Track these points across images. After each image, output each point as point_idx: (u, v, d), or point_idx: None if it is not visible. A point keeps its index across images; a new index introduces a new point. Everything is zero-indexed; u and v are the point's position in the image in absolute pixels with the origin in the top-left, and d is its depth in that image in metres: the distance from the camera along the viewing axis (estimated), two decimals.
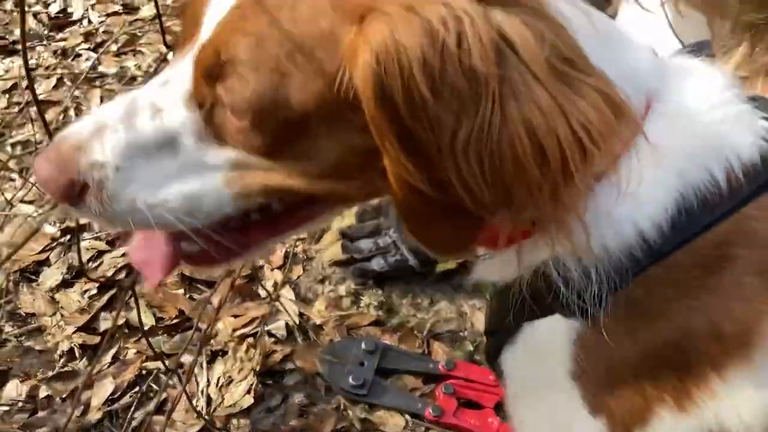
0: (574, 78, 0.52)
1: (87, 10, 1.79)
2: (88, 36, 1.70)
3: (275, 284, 1.10)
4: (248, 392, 0.98)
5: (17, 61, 1.64)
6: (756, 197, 0.59)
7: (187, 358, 0.98)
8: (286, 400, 1.01)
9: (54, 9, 1.75)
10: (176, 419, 0.96)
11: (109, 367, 1.00)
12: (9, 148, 1.44)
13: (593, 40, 0.56)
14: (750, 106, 0.63)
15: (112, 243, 1.16)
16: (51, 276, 1.12)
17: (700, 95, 0.61)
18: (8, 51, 1.65)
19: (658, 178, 0.57)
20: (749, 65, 0.80)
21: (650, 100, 0.59)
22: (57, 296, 1.09)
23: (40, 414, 0.96)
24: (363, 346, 1.08)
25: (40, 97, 1.46)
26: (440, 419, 1.03)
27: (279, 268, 1.17)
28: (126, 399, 0.97)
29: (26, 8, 1.73)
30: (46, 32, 1.72)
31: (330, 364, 1.06)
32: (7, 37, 1.76)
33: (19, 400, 0.97)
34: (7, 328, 1.03)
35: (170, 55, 0.77)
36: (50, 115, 1.47)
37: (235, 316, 1.05)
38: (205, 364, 1.00)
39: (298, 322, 1.09)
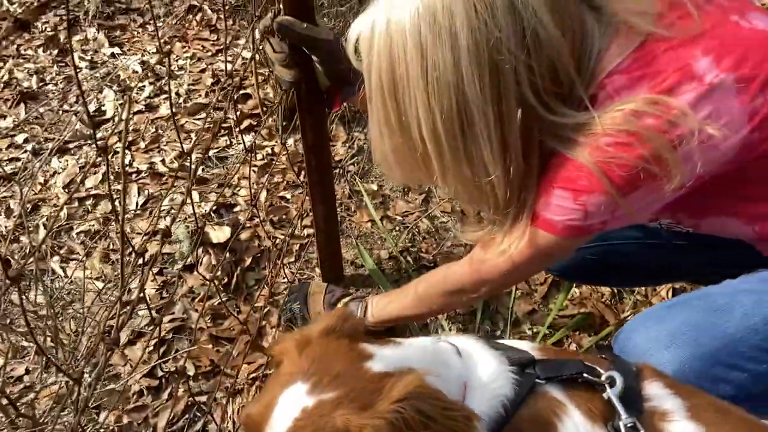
0: None
1: (116, 108, 2.19)
2: (121, 133, 2.14)
3: (274, 338, 1.62)
4: None
5: (71, 160, 1.97)
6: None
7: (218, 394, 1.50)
8: None
9: (91, 108, 2.21)
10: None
11: (166, 401, 1.46)
12: (74, 235, 1.81)
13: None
14: (507, 368, 0.89)
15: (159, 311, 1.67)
16: (122, 335, 1.62)
17: (486, 373, 0.89)
18: (62, 150, 2.00)
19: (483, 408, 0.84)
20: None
21: (465, 385, 0.87)
22: (126, 351, 1.61)
23: None
24: None
25: (91, 192, 1.95)
26: None
27: (276, 326, 1.67)
28: (180, 423, 1.46)
29: (68, 109, 2.19)
30: (90, 132, 2.19)
31: None
32: (59, 137, 2.05)
33: (109, 426, 1.48)
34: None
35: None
36: (101, 207, 1.95)
37: (248, 363, 1.58)
38: (230, 399, 1.50)
39: None
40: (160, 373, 1.51)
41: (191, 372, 1.50)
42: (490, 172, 0.96)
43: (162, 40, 2.23)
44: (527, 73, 0.89)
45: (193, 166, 1.77)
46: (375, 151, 1.06)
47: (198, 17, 2.47)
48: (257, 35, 1.25)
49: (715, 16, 0.94)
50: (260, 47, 1.35)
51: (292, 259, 1.74)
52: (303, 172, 1.93)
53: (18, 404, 1.32)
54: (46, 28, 2.44)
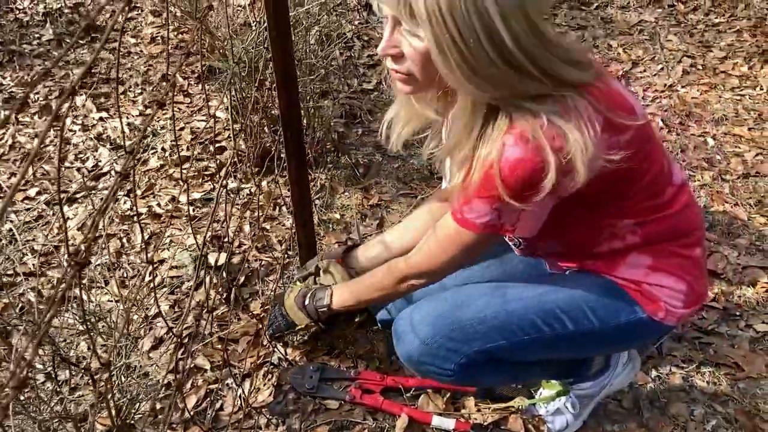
0: None
1: (112, 163, 2.65)
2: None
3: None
4: (263, 395, 1.84)
5: (80, 207, 2.33)
6: None
7: (228, 381, 1.89)
8: (284, 397, 1.83)
9: (89, 164, 2.59)
10: (225, 412, 1.81)
11: (190, 389, 1.88)
12: (93, 267, 2.18)
13: None
14: None
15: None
16: (147, 342, 1.95)
17: None
18: (71, 200, 2.38)
19: None
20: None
21: None
22: (152, 354, 1.98)
23: (159, 417, 1.80)
24: (312, 367, 1.86)
25: (102, 233, 2.32)
26: (354, 401, 1.77)
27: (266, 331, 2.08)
28: (203, 405, 1.84)
29: (69, 165, 2.57)
30: (91, 184, 2.51)
31: (295, 378, 1.84)
32: (68, 190, 2.41)
33: (145, 411, 1.84)
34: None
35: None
36: (113, 244, 2.32)
37: (251, 357, 1.96)
38: (240, 383, 1.89)
39: (285, 357, 1.91)
40: (181, 370, 1.89)
41: (207, 366, 1.89)
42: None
43: (144, 104, 2.65)
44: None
45: (188, 207, 2.18)
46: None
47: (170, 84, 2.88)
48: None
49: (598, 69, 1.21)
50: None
51: (277, 276, 2.14)
52: (278, 207, 2.36)
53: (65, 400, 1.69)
54: (38, 98, 2.81)
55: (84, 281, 2.11)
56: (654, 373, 1.92)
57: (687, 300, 1.41)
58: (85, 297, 2.06)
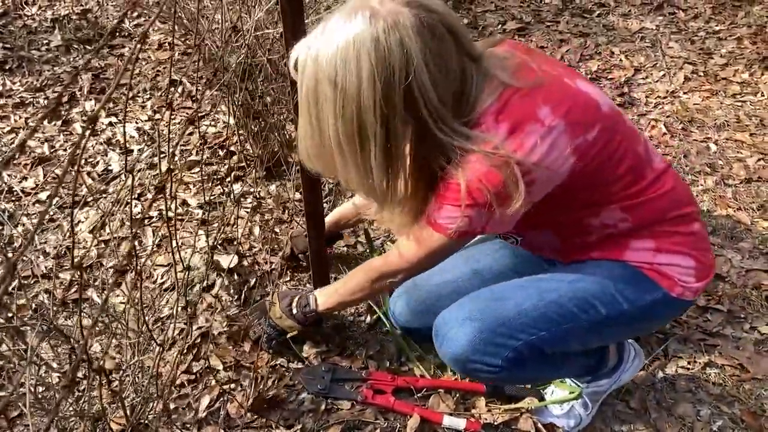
0: None
1: (122, 168, 2.66)
2: (129, 188, 2.54)
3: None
4: (274, 396, 1.84)
5: (91, 211, 2.34)
6: None
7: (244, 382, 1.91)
8: (297, 397, 1.84)
9: (100, 168, 2.61)
10: (238, 412, 1.80)
11: (203, 390, 1.90)
12: (105, 270, 2.31)
13: None
14: None
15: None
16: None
17: None
18: (75, 203, 2.44)
19: None
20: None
21: None
22: (165, 355, 2.00)
23: (173, 416, 1.83)
24: (323, 368, 1.88)
25: (114, 235, 2.34)
26: (365, 401, 1.80)
27: None
28: (216, 405, 1.87)
29: (80, 168, 2.59)
30: (102, 187, 2.53)
31: (307, 379, 1.86)
32: (78, 194, 2.45)
33: (159, 411, 1.86)
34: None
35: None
36: (123, 246, 2.34)
37: (259, 359, 1.98)
38: (253, 383, 1.90)
39: (293, 358, 1.92)
40: (195, 370, 1.91)
41: (219, 367, 1.91)
42: (375, 178, 1.28)
43: (153, 109, 2.68)
44: (417, 108, 1.19)
45: (198, 211, 2.20)
46: (299, 144, 1.34)
47: (180, 89, 2.91)
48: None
49: (551, 77, 1.30)
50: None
51: (287, 279, 2.17)
52: (287, 211, 2.38)
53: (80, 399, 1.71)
54: (47, 103, 2.83)
55: (96, 283, 2.13)
56: (660, 374, 1.95)
57: (698, 274, 1.47)
58: (96, 298, 2.08)
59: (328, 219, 2.04)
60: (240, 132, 2.55)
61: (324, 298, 1.75)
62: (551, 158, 1.26)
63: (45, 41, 3.17)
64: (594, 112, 1.32)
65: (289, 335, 1.86)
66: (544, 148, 1.24)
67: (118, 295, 2.10)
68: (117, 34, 3.25)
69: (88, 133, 0.69)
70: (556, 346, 1.50)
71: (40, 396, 1.55)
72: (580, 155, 1.29)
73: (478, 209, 1.28)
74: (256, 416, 1.79)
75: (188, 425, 1.76)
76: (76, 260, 2.12)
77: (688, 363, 2.00)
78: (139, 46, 0.85)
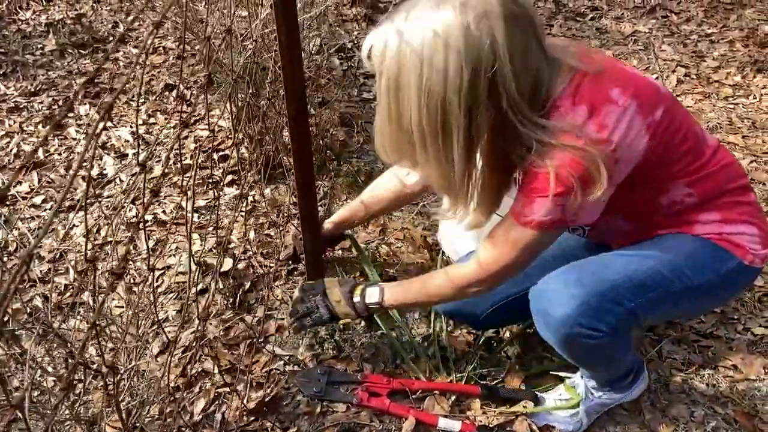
0: None
1: (117, 172, 2.68)
2: (123, 192, 2.56)
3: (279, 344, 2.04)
4: (270, 399, 1.85)
5: (83, 214, 2.44)
6: None
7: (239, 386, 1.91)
8: (292, 400, 1.84)
9: (95, 172, 2.62)
10: (234, 416, 1.81)
11: (198, 393, 1.90)
12: (99, 274, 2.31)
13: None
14: None
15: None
16: (155, 347, 1.96)
17: None
18: (69, 208, 2.43)
19: None
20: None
21: None
22: (159, 359, 2.00)
23: (168, 419, 1.84)
24: (319, 370, 1.88)
25: (109, 239, 2.34)
26: (361, 403, 1.79)
27: (276, 332, 2.12)
28: (211, 408, 1.88)
29: (75, 173, 2.58)
30: (97, 191, 2.56)
31: (303, 382, 1.86)
32: (73, 198, 2.48)
33: (155, 415, 1.86)
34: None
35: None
36: (120, 250, 2.32)
37: (255, 362, 1.99)
38: (248, 387, 1.91)
39: (288, 361, 1.93)
40: (190, 373, 1.91)
41: (215, 370, 1.91)
42: (455, 170, 1.28)
43: (147, 113, 2.69)
44: (499, 99, 1.20)
45: (192, 215, 2.21)
46: (376, 135, 1.34)
47: (174, 93, 2.92)
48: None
49: (609, 62, 1.35)
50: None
51: (282, 282, 2.17)
52: (282, 214, 2.39)
53: (76, 403, 1.71)
54: (42, 107, 2.83)
55: (91, 287, 2.13)
56: (654, 375, 1.95)
57: (763, 241, 1.52)
58: (92, 302, 2.08)
59: (335, 217, 2.04)
60: (236, 135, 2.56)
61: (394, 294, 1.68)
62: (630, 137, 1.28)
63: (39, 45, 3.17)
64: (655, 94, 1.35)
65: (341, 322, 1.85)
66: (623, 127, 1.27)
67: (113, 299, 2.10)
68: (112, 38, 3.25)
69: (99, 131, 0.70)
70: (649, 315, 1.52)
71: (35, 400, 1.55)
72: (652, 134, 1.32)
73: (568, 197, 1.28)
74: (251, 419, 1.79)
75: (183, 429, 1.76)
76: (89, 254, 2.12)
77: (682, 364, 2.01)
78: (143, 56, 0.86)
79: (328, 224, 2.04)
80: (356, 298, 1.70)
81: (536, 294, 1.49)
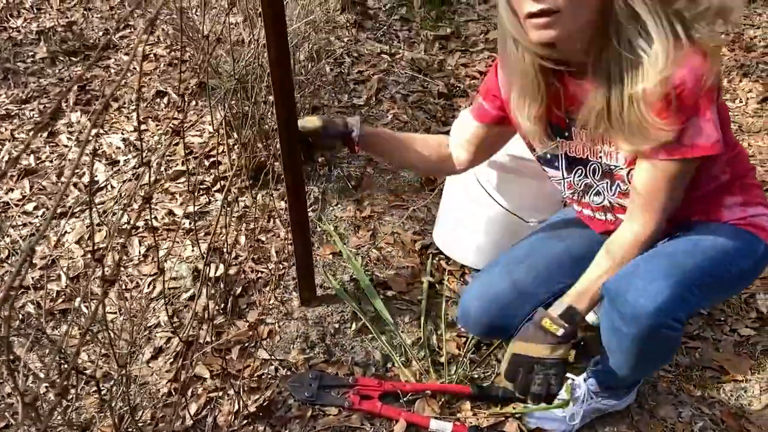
0: None
1: (108, 179, 2.69)
2: (114, 199, 2.56)
3: (270, 349, 2.06)
4: (262, 403, 1.90)
5: (77, 222, 2.36)
6: None
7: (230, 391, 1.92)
8: (284, 404, 1.86)
9: (85, 179, 2.62)
10: (226, 420, 1.83)
11: (191, 398, 1.92)
12: (92, 280, 2.33)
13: None
14: None
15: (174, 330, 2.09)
16: (147, 352, 1.98)
17: None
18: (68, 214, 2.42)
19: None
20: None
21: None
22: (151, 364, 2.01)
23: (161, 424, 1.83)
24: (310, 375, 1.90)
25: (101, 245, 2.35)
26: (352, 407, 1.82)
27: (267, 338, 2.13)
28: (203, 412, 1.90)
29: (65, 179, 2.59)
30: (87, 198, 2.59)
31: (294, 386, 1.88)
32: (66, 204, 2.46)
33: (146, 420, 1.88)
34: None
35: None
36: (108, 258, 2.34)
37: (246, 366, 2.00)
38: (240, 391, 1.93)
39: (280, 365, 1.96)
40: (181, 378, 1.92)
41: (206, 375, 1.92)
42: None
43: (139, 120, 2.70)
44: None
45: (186, 221, 2.22)
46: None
47: (165, 100, 2.93)
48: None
49: None
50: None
51: (273, 287, 2.19)
52: (273, 220, 2.40)
53: (68, 409, 1.72)
54: (33, 115, 2.84)
55: (83, 293, 2.14)
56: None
57: None
58: (85, 309, 2.09)
59: (365, 126, 1.79)
60: (227, 141, 2.57)
61: (583, 303, 1.51)
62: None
63: (30, 53, 3.18)
64: None
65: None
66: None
67: (107, 305, 2.10)
68: (99, 46, 3.26)
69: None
70: (705, 303, 1.63)
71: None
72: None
73: (712, 110, 1.30)
74: (244, 423, 1.80)
75: None
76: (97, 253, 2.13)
77: (670, 366, 2.04)
78: (137, 65, 0.87)
79: (352, 121, 1.76)
80: (560, 332, 1.47)
81: (619, 287, 1.43)
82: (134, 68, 3.01)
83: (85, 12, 3.48)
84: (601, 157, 1.52)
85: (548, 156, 1.63)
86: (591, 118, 1.40)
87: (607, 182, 1.56)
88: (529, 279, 1.73)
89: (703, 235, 1.52)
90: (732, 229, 1.53)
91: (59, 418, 1.56)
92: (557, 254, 1.77)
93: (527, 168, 2.00)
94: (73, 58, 3.19)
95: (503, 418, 1.85)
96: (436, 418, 1.82)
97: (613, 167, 1.51)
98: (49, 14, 3.45)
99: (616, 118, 1.35)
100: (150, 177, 1.06)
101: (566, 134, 1.55)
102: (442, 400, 1.89)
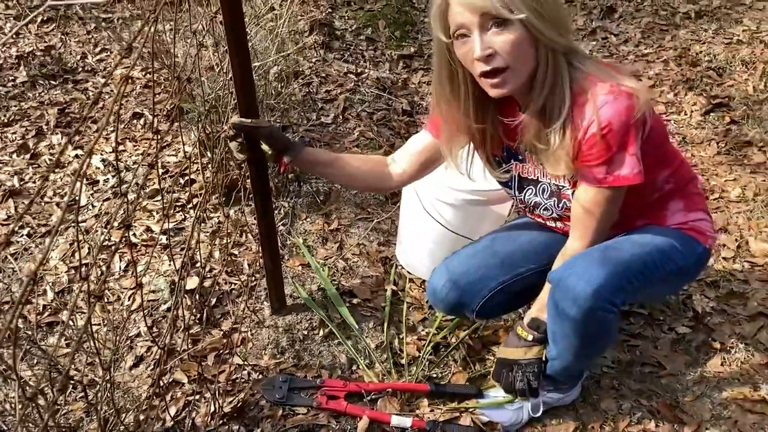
0: None
1: (89, 197, 2.81)
2: (96, 216, 2.69)
3: (243, 355, 2.22)
4: (237, 404, 2.05)
5: (61, 239, 2.52)
6: None
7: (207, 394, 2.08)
8: (256, 405, 2.02)
9: (67, 199, 2.75)
10: (203, 421, 1.99)
11: (170, 401, 2.07)
12: (76, 294, 2.48)
13: None
14: None
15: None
16: (129, 360, 2.14)
17: None
18: (51, 233, 2.60)
19: None
20: None
21: None
22: (133, 371, 2.16)
23: (143, 426, 2.01)
24: (281, 378, 2.05)
25: (85, 261, 2.50)
26: (320, 407, 1.96)
27: (240, 345, 2.29)
28: (183, 414, 2.04)
29: (48, 200, 2.75)
30: (71, 217, 2.73)
31: (266, 389, 2.03)
32: (50, 224, 2.57)
33: (130, 423, 2.03)
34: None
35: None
36: (93, 272, 2.49)
37: (221, 372, 2.16)
38: (215, 394, 2.08)
39: (252, 370, 2.14)
40: (161, 384, 2.08)
41: (184, 380, 2.08)
42: None
43: (117, 141, 2.85)
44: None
45: (162, 237, 2.38)
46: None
47: (141, 121, 3.08)
48: (229, 133, 1.84)
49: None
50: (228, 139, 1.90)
51: (246, 297, 2.35)
52: (245, 234, 2.57)
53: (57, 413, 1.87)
54: (15, 137, 2.99)
55: (69, 305, 2.29)
56: (587, 373, 2.16)
57: (713, 226, 1.83)
58: (71, 322, 2.24)
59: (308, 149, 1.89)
60: (201, 161, 2.73)
61: (546, 312, 1.75)
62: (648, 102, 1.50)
63: (11, 77, 3.32)
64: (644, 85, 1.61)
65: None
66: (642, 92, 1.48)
67: (84, 314, 2.25)
68: (81, 69, 3.41)
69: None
70: (640, 294, 1.75)
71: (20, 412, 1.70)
72: (651, 114, 1.56)
73: (637, 143, 1.50)
74: (220, 423, 1.96)
75: None
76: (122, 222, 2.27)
77: (612, 362, 2.22)
78: (114, 86, 1.03)
79: (295, 149, 1.85)
80: (530, 337, 1.78)
81: (561, 275, 1.63)
82: (112, 90, 3.16)
83: (62, 36, 3.63)
84: (550, 178, 1.72)
85: (503, 179, 1.85)
86: (528, 146, 1.62)
87: (554, 200, 1.77)
88: (492, 262, 1.92)
89: (645, 234, 1.73)
90: (673, 231, 1.74)
91: (50, 422, 1.71)
92: (519, 242, 1.97)
93: (470, 198, 2.22)
94: (53, 82, 3.33)
95: (458, 413, 2.02)
96: (397, 414, 1.99)
97: (561, 187, 1.72)
98: (28, 39, 3.59)
99: (544, 148, 1.56)
100: (128, 202, 1.22)
101: (520, 157, 1.77)
102: (403, 398, 2.06)
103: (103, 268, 2.41)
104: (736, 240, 2.69)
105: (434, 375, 2.16)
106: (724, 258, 2.61)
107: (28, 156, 2.89)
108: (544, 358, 1.82)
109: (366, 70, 3.65)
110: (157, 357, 2.11)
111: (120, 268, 2.44)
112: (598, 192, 1.57)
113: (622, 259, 1.62)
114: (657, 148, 1.63)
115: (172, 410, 1.99)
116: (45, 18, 3.74)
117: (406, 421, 1.95)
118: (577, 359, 1.81)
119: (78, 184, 2.38)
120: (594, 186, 1.56)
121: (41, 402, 1.86)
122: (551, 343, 1.78)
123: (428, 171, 1.96)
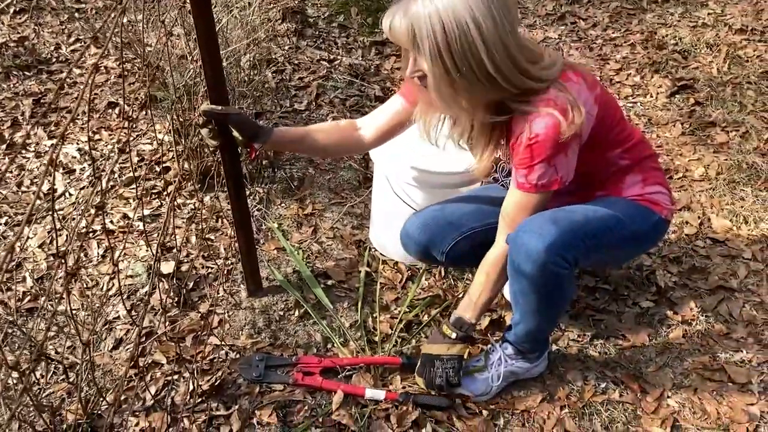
0: None
1: (65, 186, 2.86)
2: (72, 205, 2.73)
3: (221, 336, 2.28)
4: (215, 383, 2.13)
5: (39, 227, 2.54)
6: None
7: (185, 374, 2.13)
8: (234, 383, 2.09)
9: (45, 187, 2.80)
10: (182, 399, 2.06)
11: (150, 381, 2.12)
12: (55, 280, 2.51)
13: None
14: None
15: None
16: (109, 343, 2.18)
17: None
18: (29, 221, 2.66)
19: None
20: None
21: None
22: (113, 353, 2.21)
23: (124, 405, 2.05)
24: (257, 357, 2.12)
25: (62, 248, 2.53)
26: (296, 383, 2.04)
27: (218, 326, 2.34)
28: (162, 393, 2.10)
29: (25, 189, 2.79)
30: (46, 205, 2.77)
31: (243, 368, 2.09)
32: (21, 214, 2.71)
33: (112, 402, 2.08)
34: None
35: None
36: (70, 259, 2.53)
37: (199, 352, 2.22)
38: (194, 373, 2.14)
39: (230, 350, 2.23)
40: (141, 365, 2.13)
41: (163, 361, 2.14)
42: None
43: (91, 131, 2.89)
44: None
45: (139, 223, 2.43)
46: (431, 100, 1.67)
47: (116, 111, 3.12)
48: (200, 121, 1.89)
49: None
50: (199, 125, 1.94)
51: (223, 280, 2.41)
52: (220, 220, 2.62)
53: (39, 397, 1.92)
54: None
55: (48, 292, 2.34)
56: (554, 347, 2.24)
57: (670, 199, 1.96)
58: (50, 307, 2.29)
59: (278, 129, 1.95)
60: (176, 149, 2.78)
61: (470, 312, 1.95)
62: (588, 106, 1.65)
63: None
64: (593, 77, 1.74)
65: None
66: (582, 97, 1.63)
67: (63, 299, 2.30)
68: (55, 60, 3.43)
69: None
70: (593, 255, 1.84)
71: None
72: (599, 104, 1.70)
73: (559, 157, 1.65)
74: (199, 401, 2.02)
75: (137, 413, 1.98)
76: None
77: (578, 336, 2.31)
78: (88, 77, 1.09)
79: (264, 135, 1.90)
80: (454, 335, 1.97)
81: (516, 233, 1.76)
82: (86, 80, 3.19)
83: (36, 27, 3.65)
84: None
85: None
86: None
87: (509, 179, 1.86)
88: (458, 213, 2.09)
89: (600, 202, 1.87)
90: (628, 201, 1.89)
91: (29, 401, 1.76)
92: (483, 199, 2.14)
93: (438, 181, 2.31)
94: (27, 73, 3.35)
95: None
96: (370, 387, 2.06)
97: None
98: (1, 30, 3.60)
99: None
100: (103, 187, 1.28)
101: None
102: (376, 372, 2.13)
103: (81, 255, 2.46)
104: (699, 217, 2.78)
105: (405, 350, 2.22)
106: (687, 235, 2.70)
107: (3, 147, 2.92)
108: (465, 356, 2.00)
109: (339, 57, 3.70)
110: (136, 339, 2.16)
111: (98, 255, 2.48)
112: (522, 195, 1.74)
113: (575, 219, 1.76)
114: (611, 129, 1.81)
115: (153, 389, 2.05)
116: (17, 9, 3.75)
117: (380, 394, 2.03)
118: (538, 320, 1.92)
119: (51, 169, 2.42)
120: (515, 188, 1.75)
121: (14, 375, 1.92)
122: (514, 307, 1.91)
123: (397, 134, 2.07)
